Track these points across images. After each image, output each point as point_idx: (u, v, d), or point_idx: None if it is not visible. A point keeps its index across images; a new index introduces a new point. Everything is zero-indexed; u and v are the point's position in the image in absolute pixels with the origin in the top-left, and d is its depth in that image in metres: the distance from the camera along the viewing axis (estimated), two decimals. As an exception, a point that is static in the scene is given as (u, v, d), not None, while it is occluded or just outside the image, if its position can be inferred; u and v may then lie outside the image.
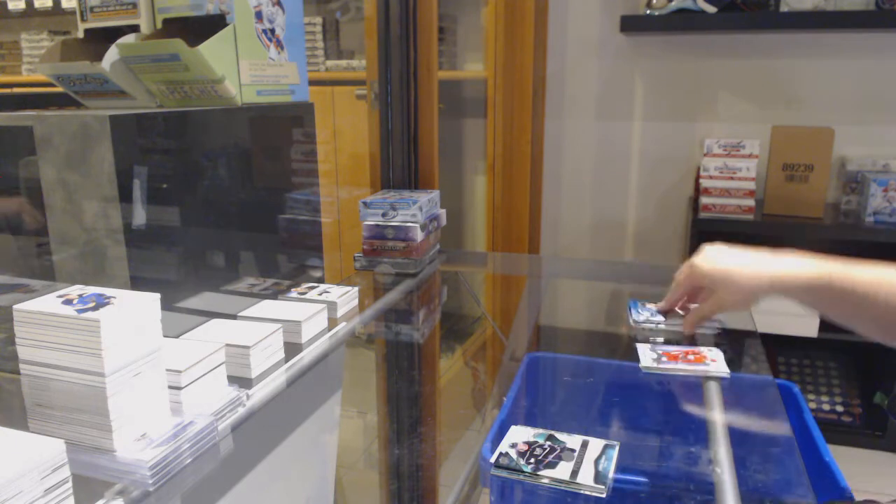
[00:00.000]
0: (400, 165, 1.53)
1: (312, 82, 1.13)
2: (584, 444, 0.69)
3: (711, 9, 1.98)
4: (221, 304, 0.92)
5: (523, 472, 0.65)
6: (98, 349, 0.56)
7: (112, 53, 0.90)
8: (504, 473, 0.66)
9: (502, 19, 2.20)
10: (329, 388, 0.94)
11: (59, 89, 0.98)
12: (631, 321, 1.07)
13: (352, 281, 1.29)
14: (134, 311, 0.59)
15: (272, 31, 1.00)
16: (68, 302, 0.59)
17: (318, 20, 2.68)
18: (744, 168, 2.03)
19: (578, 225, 2.49)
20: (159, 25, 0.94)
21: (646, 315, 1.07)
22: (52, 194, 0.76)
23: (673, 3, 2.02)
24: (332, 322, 1.01)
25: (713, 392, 0.85)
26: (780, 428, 0.83)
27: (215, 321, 0.88)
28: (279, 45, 1.02)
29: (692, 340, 1.01)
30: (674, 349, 0.96)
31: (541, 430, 0.72)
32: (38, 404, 0.60)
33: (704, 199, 2.04)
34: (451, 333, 1.38)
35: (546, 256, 2.42)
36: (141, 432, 0.61)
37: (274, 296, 1.03)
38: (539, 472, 0.65)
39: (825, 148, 1.96)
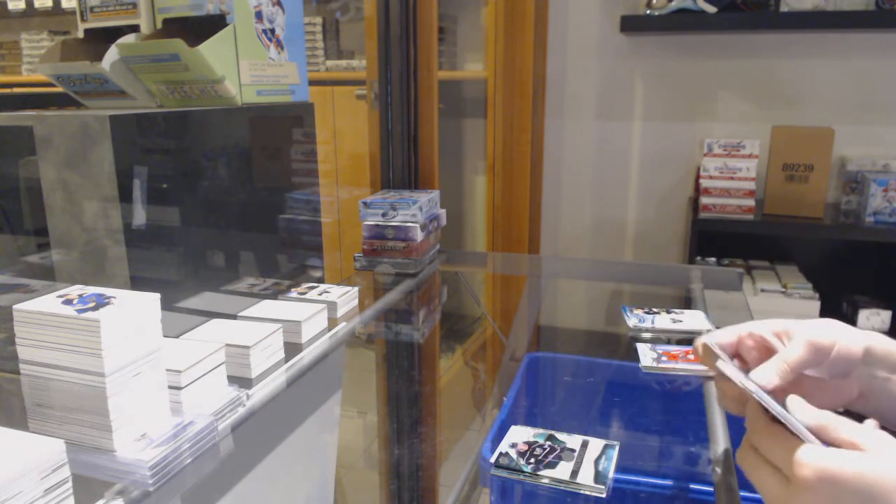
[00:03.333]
0: (400, 165, 1.53)
1: (312, 82, 1.13)
2: (584, 444, 0.69)
3: (711, 9, 1.98)
4: (221, 304, 0.92)
5: (523, 472, 0.65)
6: (98, 349, 0.56)
7: (112, 53, 0.90)
8: (504, 473, 0.66)
9: (502, 19, 2.20)
10: (329, 388, 0.94)
11: (59, 89, 0.98)
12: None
13: (352, 281, 1.29)
14: (134, 311, 0.59)
15: (272, 31, 1.00)
16: (68, 302, 0.59)
17: (318, 20, 2.68)
18: (744, 168, 2.03)
19: (578, 225, 2.49)
20: (159, 25, 0.94)
21: (635, 321, 1.07)
22: (52, 194, 0.76)
23: (673, 3, 2.02)
24: (332, 322, 1.01)
25: (713, 392, 0.85)
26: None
27: (215, 321, 0.88)
28: (279, 45, 1.02)
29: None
30: (674, 349, 0.96)
31: (541, 430, 0.72)
32: (38, 404, 0.60)
33: (704, 199, 2.04)
34: (451, 333, 1.38)
35: (546, 256, 2.41)
36: (141, 432, 0.61)
37: (274, 296, 1.03)
38: (539, 472, 0.65)
39: (825, 148, 1.96)
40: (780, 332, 0.60)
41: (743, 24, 2.05)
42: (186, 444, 0.63)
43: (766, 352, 0.60)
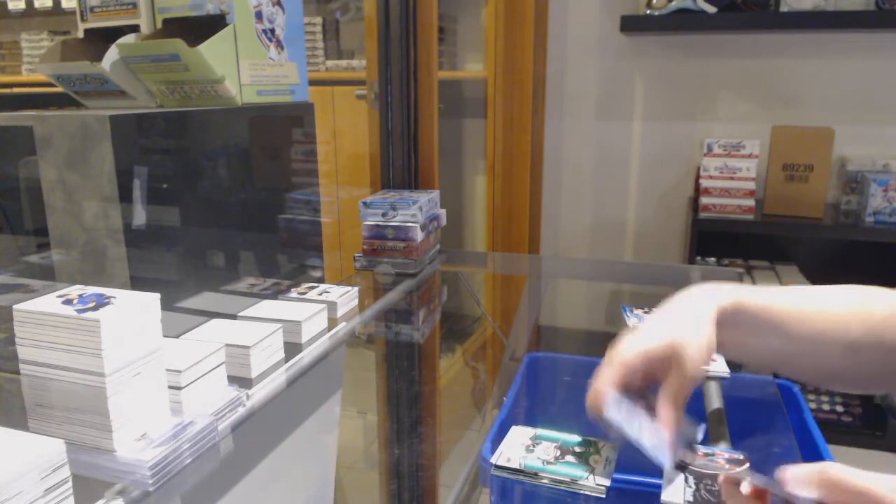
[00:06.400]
0: (400, 165, 1.53)
1: (312, 82, 1.13)
2: (585, 444, 0.69)
3: (711, 9, 1.98)
4: (221, 304, 0.92)
5: (523, 472, 0.65)
6: (98, 349, 0.56)
7: (112, 53, 0.90)
8: (504, 473, 0.66)
9: (502, 19, 2.20)
10: (329, 388, 0.94)
11: (59, 89, 0.98)
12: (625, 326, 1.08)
13: (352, 281, 1.29)
14: (134, 311, 0.59)
15: (272, 31, 1.00)
16: (68, 302, 0.59)
17: (318, 20, 2.67)
18: (744, 168, 2.03)
19: (578, 225, 2.49)
20: (159, 25, 0.94)
21: (635, 321, 1.07)
22: (52, 194, 0.76)
23: (673, 3, 2.02)
24: (332, 322, 1.01)
25: (713, 392, 0.85)
26: (780, 428, 0.83)
27: (215, 321, 0.88)
28: (279, 45, 1.02)
29: None
30: (674, 349, 0.95)
31: (541, 430, 0.72)
32: (38, 404, 0.60)
33: (704, 199, 2.04)
34: (451, 333, 1.38)
35: (546, 256, 2.41)
36: (141, 432, 0.61)
37: (274, 296, 1.03)
38: (539, 472, 0.65)
39: (825, 148, 1.96)
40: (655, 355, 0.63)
41: (743, 24, 2.05)
42: (186, 444, 0.63)
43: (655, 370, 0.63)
